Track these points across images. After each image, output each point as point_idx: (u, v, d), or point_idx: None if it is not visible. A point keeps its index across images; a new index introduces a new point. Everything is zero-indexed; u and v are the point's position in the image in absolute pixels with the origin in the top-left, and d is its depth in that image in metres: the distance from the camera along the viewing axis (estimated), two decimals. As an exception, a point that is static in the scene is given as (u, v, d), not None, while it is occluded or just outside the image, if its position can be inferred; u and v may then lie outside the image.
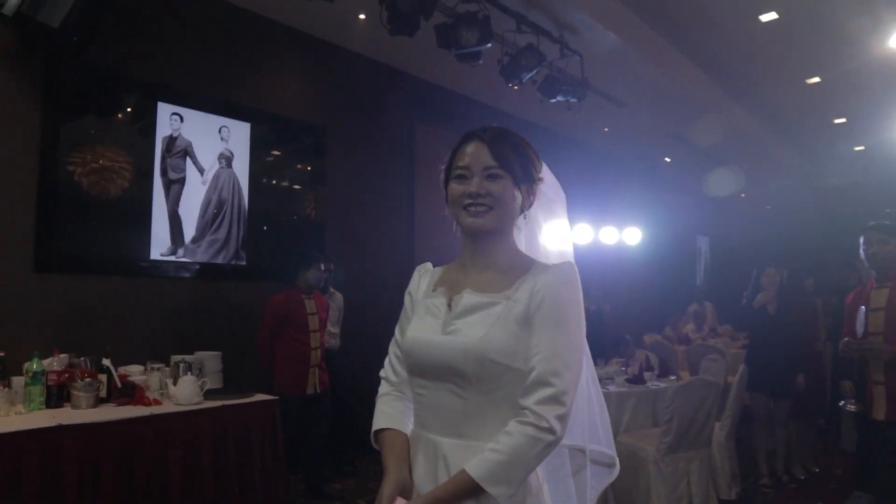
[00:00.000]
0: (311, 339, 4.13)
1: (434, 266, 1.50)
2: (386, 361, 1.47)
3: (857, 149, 10.04)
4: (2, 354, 3.22)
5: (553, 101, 5.09)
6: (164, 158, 4.22)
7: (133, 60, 4.09)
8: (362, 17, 4.78)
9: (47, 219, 3.66)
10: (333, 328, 4.81)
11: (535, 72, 4.64)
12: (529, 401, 1.17)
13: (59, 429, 2.77)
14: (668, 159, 9.80)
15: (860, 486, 4.12)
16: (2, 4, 3.16)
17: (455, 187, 1.32)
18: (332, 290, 4.90)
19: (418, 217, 6.08)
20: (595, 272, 8.06)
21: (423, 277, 1.45)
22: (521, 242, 1.40)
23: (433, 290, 1.38)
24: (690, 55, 6.21)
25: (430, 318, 1.32)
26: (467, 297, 1.29)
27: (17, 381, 3.19)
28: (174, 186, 4.27)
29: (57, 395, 3.19)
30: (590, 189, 8.40)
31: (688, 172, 10.48)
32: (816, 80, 7.05)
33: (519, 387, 1.21)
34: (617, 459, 1.39)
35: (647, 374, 4.46)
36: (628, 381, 4.30)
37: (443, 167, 1.40)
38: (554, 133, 7.94)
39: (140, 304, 4.07)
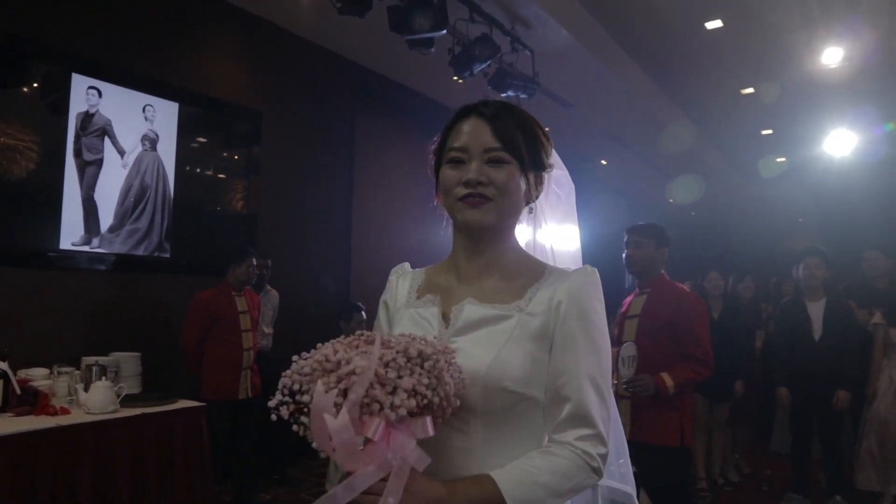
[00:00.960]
0: (242, 339, 3.81)
1: (413, 267, 1.26)
2: None
3: (779, 160, 10.47)
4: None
5: (504, 95, 4.93)
6: (78, 137, 3.78)
7: (45, 25, 3.64)
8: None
9: None
10: (267, 328, 4.52)
11: (487, 64, 4.47)
12: (568, 437, 0.97)
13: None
14: (604, 161, 9.89)
15: (795, 489, 4.18)
16: None
17: (449, 173, 1.06)
18: (268, 287, 4.58)
19: (357, 211, 5.81)
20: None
21: (402, 281, 1.21)
22: (523, 240, 1.19)
23: (418, 298, 1.14)
24: (638, 57, 6.22)
25: (418, 332, 1.03)
26: (470, 309, 1.05)
27: None
28: (89, 169, 3.84)
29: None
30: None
31: (621, 175, 10.64)
32: (751, 90, 7.23)
33: (532, 419, 1.01)
34: (636, 498, 1.19)
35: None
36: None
37: (432, 148, 1.16)
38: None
39: (46, 299, 3.64)
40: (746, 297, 5.00)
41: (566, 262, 1.23)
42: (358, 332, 0.96)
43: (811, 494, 4.18)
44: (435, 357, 0.87)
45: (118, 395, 3.01)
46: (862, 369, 4.14)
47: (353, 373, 0.82)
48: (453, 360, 0.91)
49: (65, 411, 2.90)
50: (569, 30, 5.01)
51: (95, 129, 3.87)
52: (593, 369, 1.00)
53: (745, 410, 4.78)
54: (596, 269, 1.08)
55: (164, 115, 4.26)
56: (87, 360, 3.33)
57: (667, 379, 2.78)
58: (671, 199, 12.20)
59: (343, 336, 0.94)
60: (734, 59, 6.36)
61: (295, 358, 0.89)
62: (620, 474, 1.21)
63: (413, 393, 0.83)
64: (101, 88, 3.87)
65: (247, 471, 3.89)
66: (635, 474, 2.17)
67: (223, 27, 4.73)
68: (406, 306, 1.15)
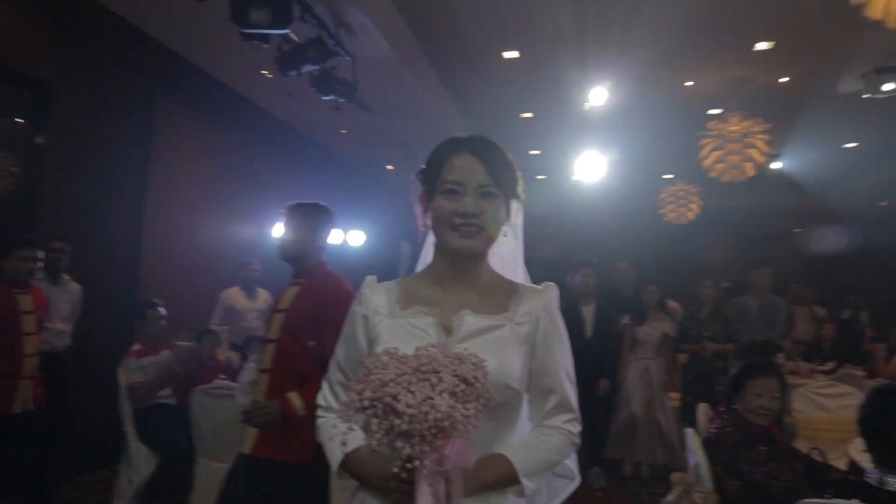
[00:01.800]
0: (23, 344, 3.27)
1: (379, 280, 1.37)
2: (325, 390, 1.32)
3: (539, 177, 11.82)
4: None
5: (326, 98, 4.91)
6: None
7: None
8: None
9: None
10: (63, 325, 3.97)
11: (317, 67, 4.42)
12: (556, 422, 1.24)
13: None
14: (390, 167, 10.23)
15: (595, 463, 4.81)
16: None
17: (445, 204, 1.22)
18: (65, 277, 4.04)
19: (151, 202, 5.30)
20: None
21: (377, 295, 1.30)
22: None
23: (404, 309, 1.26)
24: (442, 72, 6.59)
25: (415, 341, 1.16)
26: (470, 320, 1.22)
27: None
28: None
29: None
30: (320, 188, 8.34)
31: (404, 181, 11.07)
32: (529, 115, 8.11)
33: (517, 411, 1.23)
34: (577, 471, 1.40)
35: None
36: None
37: (416, 175, 1.31)
38: (293, 128, 7.69)
39: None
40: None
41: (511, 267, 1.41)
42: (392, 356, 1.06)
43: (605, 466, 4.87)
44: (483, 378, 1.04)
45: None
46: (617, 362, 4.97)
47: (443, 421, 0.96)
48: (487, 371, 1.07)
49: None
50: (388, 40, 5.16)
51: None
52: (567, 365, 1.27)
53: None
54: (555, 285, 1.32)
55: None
56: None
57: (295, 400, 2.31)
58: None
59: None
60: (521, 87, 7.08)
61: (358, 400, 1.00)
62: None
63: (478, 414, 1.00)
64: None
65: (19, 493, 3.35)
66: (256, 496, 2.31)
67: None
68: (390, 317, 1.25)
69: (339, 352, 1.33)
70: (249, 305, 5.66)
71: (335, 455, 1.20)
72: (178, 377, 4.01)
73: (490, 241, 1.24)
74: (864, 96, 6.48)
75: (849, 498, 1.59)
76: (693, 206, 9.77)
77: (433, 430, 0.94)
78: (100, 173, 4.77)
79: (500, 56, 6.24)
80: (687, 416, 4.82)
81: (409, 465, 0.98)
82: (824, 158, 9.68)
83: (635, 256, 6.22)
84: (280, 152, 7.61)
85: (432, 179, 1.25)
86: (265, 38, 3.84)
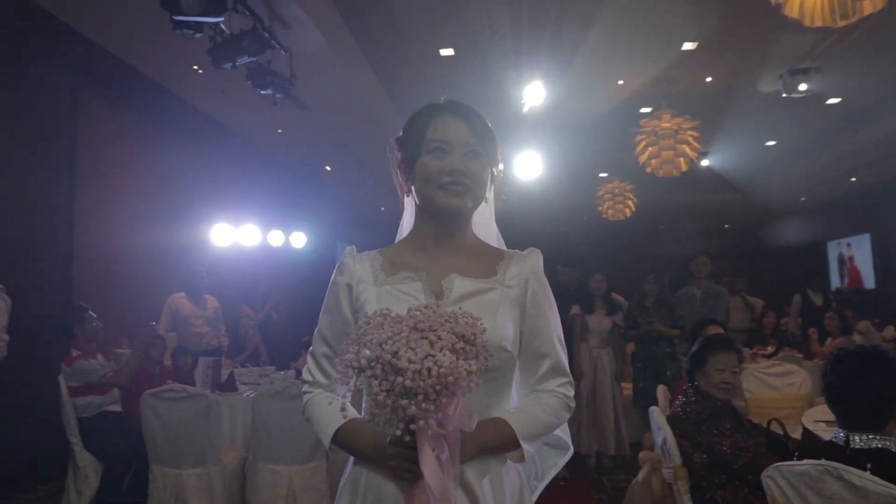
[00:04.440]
0: None
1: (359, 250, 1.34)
2: (310, 365, 1.28)
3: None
4: None
5: (263, 93, 4.82)
6: None
7: None
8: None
9: None
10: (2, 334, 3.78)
11: (253, 58, 4.34)
12: (551, 385, 1.22)
13: None
14: (328, 167, 10.13)
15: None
16: None
17: (432, 162, 1.20)
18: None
19: (80, 201, 5.08)
20: (266, 275, 7.86)
21: (359, 263, 1.27)
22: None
23: (389, 276, 1.23)
24: (378, 71, 6.58)
25: (405, 306, 1.13)
26: (460, 282, 1.21)
27: None
28: None
29: None
30: (259, 189, 8.18)
31: (344, 182, 10.99)
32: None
33: (509, 374, 1.22)
34: (570, 442, 1.39)
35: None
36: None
37: (396, 138, 1.29)
38: (228, 128, 7.51)
39: None
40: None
41: (492, 240, 1.41)
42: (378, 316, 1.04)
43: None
44: (481, 335, 1.02)
45: None
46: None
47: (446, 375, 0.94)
48: (484, 329, 1.06)
49: None
50: (323, 34, 5.12)
51: None
52: (557, 329, 1.26)
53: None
54: (539, 251, 1.31)
55: None
56: None
57: None
58: (383, 209, 12.99)
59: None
60: (458, 85, 7.12)
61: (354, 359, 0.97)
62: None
63: (479, 372, 0.99)
64: None
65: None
66: None
67: None
68: (376, 284, 1.22)
69: (323, 323, 1.28)
70: (196, 312, 5.54)
71: (328, 429, 1.17)
72: (151, 360, 4.02)
73: (477, 201, 1.23)
74: (783, 96, 6.85)
75: (817, 459, 1.66)
76: (629, 202, 10.06)
77: (437, 387, 0.92)
78: (25, 174, 4.55)
79: (437, 53, 6.28)
80: (640, 401, 4.97)
81: (412, 427, 0.96)
82: (749, 156, 10.14)
83: (577, 253, 6.36)
84: (216, 153, 7.43)
85: (415, 142, 1.23)
86: (198, 27, 3.75)
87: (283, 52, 5.02)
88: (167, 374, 4.37)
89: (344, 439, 1.17)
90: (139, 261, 5.88)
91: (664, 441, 2.56)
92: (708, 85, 7.15)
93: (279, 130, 8.04)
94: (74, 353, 3.77)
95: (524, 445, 1.14)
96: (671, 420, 2.64)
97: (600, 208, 10.29)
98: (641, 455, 2.68)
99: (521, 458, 1.17)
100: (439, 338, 0.97)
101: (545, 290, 1.26)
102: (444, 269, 1.23)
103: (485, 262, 1.26)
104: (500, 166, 1.33)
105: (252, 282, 7.53)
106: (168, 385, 3.54)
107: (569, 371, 1.26)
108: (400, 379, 0.92)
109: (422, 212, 1.27)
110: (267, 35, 4.71)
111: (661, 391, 3.31)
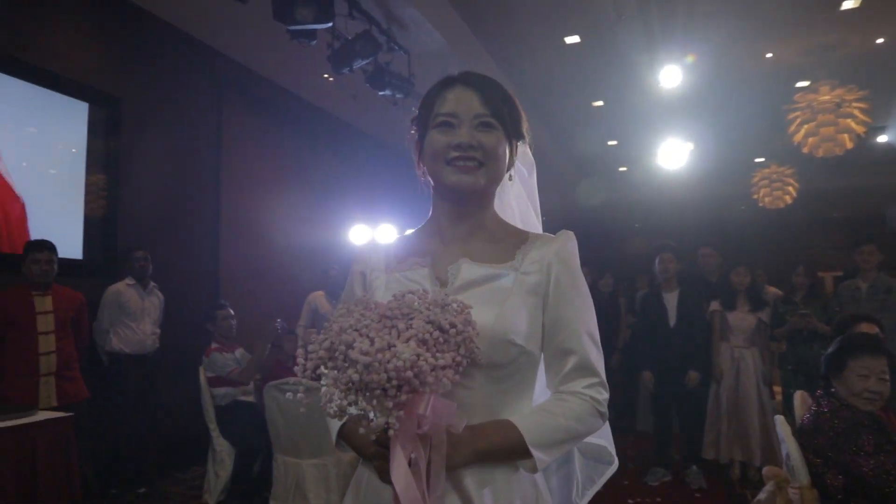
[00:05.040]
0: (38, 343, 3.41)
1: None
2: None
3: (621, 169, 11.46)
4: None
5: (381, 94, 4.98)
6: None
7: None
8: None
9: None
10: (153, 328, 4.33)
11: (367, 61, 4.49)
12: (576, 386, 1.06)
13: None
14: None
15: (658, 462, 4.57)
16: None
17: (438, 137, 1.09)
18: (152, 284, 4.36)
19: (225, 209, 5.56)
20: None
21: (376, 252, 1.21)
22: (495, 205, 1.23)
23: (400, 263, 1.15)
24: (503, 65, 6.53)
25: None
26: (467, 268, 1.09)
27: None
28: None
29: None
30: (395, 190, 8.44)
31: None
32: (600, 103, 7.87)
33: (529, 373, 1.08)
34: (615, 454, 1.24)
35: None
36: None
37: (412, 119, 1.17)
38: (366, 135, 7.85)
39: None
40: (605, 291, 5.42)
41: (530, 225, 1.29)
42: (354, 303, 0.95)
43: (671, 467, 4.60)
44: (466, 326, 0.91)
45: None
46: (708, 353, 4.64)
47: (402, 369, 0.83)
48: (471, 318, 0.95)
49: None
50: (441, 33, 5.16)
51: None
52: (589, 323, 1.09)
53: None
54: (573, 234, 1.16)
55: (6, 101, 3.80)
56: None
57: None
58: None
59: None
60: (587, 74, 6.88)
61: (314, 348, 0.89)
62: (602, 430, 1.25)
63: (454, 365, 0.88)
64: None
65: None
66: None
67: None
68: (387, 272, 1.16)
69: None
70: (332, 310, 5.86)
71: (335, 425, 1.11)
72: (285, 355, 4.23)
73: (492, 178, 1.10)
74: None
75: None
76: (790, 188, 9.11)
77: (396, 382, 0.83)
78: (173, 184, 5.05)
79: (562, 42, 6.10)
80: (789, 410, 4.45)
81: (385, 428, 0.88)
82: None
83: (728, 245, 5.85)
84: (352, 156, 7.76)
85: (424, 118, 1.14)
86: (311, 35, 3.94)
87: (402, 54, 5.15)
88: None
89: (347, 436, 1.10)
90: (281, 261, 6.31)
91: (788, 456, 2.24)
92: (879, 47, 6.26)
93: (413, 131, 8.26)
94: (213, 346, 4.08)
95: (536, 453, 0.98)
96: (799, 432, 2.31)
97: (756, 196, 9.42)
98: (765, 471, 2.35)
99: (534, 468, 1.00)
100: (410, 327, 0.88)
101: (573, 276, 1.10)
102: (456, 253, 1.12)
103: (504, 245, 1.13)
104: (526, 138, 1.20)
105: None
106: (289, 378, 3.74)
107: (599, 370, 1.08)
108: (351, 371, 0.84)
109: (435, 192, 1.17)
110: (384, 37, 4.86)
111: (798, 397, 2.89)
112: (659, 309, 4.48)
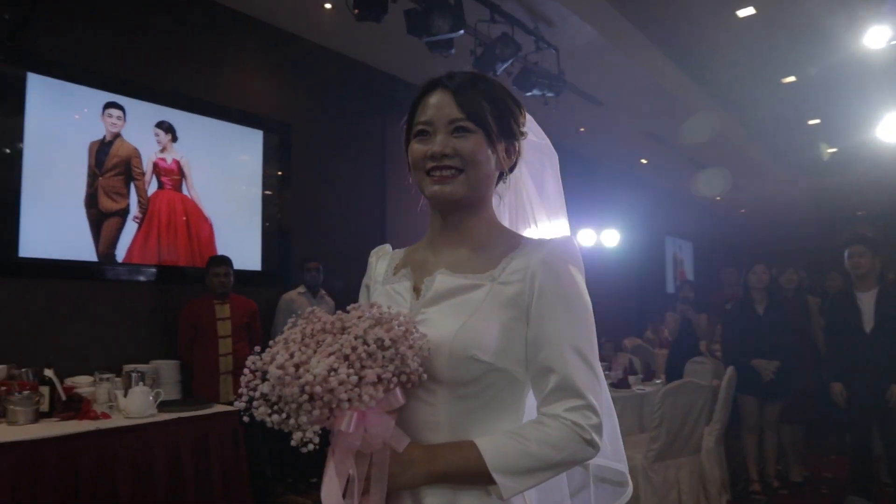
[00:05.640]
0: (218, 345, 3.91)
1: (395, 249, 1.25)
2: None
3: (830, 151, 10.07)
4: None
5: (529, 94, 4.91)
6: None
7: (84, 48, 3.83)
8: (328, 6, 4.56)
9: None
10: None
11: (510, 62, 4.46)
12: (556, 409, 0.94)
13: (-13, 447, 2.49)
14: (644, 160, 9.72)
15: (856, 491, 3.96)
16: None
17: (416, 147, 1.05)
18: (322, 291, 4.72)
19: (391, 219, 5.86)
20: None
21: (381, 261, 1.20)
22: (505, 215, 1.17)
23: (394, 274, 1.14)
24: (668, 51, 6.11)
25: (394, 308, 1.04)
26: (441, 280, 1.04)
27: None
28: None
29: (-9, 410, 2.91)
30: (565, 190, 8.25)
31: (665, 174, 10.42)
32: (792, 79, 7.01)
33: (507, 394, 0.99)
34: (629, 477, 1.14)
35: (631, 378, 4.27)
36: (612, 385, 4.11)
37: (403, 125, 1.13)
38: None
39: (90, 310, 3.79)
40: (789, 289, 4.80)
41: (552, 234, 1.18)
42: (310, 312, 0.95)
43: (874, 496, 3.95)
44: (394, 340, 0.87)
45: (155, 400, 3.10)
46: None
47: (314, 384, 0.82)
48: (415, 333, 0.91)
49: (105, 416, 3.00)
50: (593, 25, 4.97)
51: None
52: (576, 338, 0.97)
53: (799, 408, 4.56)
54: (572, 237, 1.06)
55: (194, 133, 4.38)
56: (128, 367, 3.46)
57: None
58: (719, 198, 11.89)
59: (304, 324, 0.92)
60: (770, 47, 6.17)
61: (252, 362, 0.88)
62: (612, 451, 1.15)
63: (380, 382, 0.84)
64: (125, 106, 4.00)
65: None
66: None
67: (245, 40, 4.83)
68: (383, 283, 1.15)
69: None
70: None
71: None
72: None
73: (474, 184, 1.03)
74: None
75: None
76: None
77: (307, 398, 0.82)
78: (343, 202, 5.44)
79: (734, 16, 5.53)
80: None
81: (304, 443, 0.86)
82: None
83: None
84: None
85: (408, 127, 1.11)
86: (448, 45, 4.01)
87: (552, 51, 5.04)
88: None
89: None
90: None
91: None
92: None
93: (581, 129, 8.05)
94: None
95: (499, 479, 0.90)
96: None
97: None
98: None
99: (500, 495, 0.92)
100: (336, 342, 0.85)
101: (560, 286, 0.99)
102: (442, 264, 1.07)
103: (491, 254, 1.04)
104: (519, 136, 1.10)
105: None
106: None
107: (585, 391, 0.95)
108: (262, 385, 0.84)
109: (429, 202, 1.12)
110: (530, 37, 4.80)
111: None
112: (850, 311, 3.87)
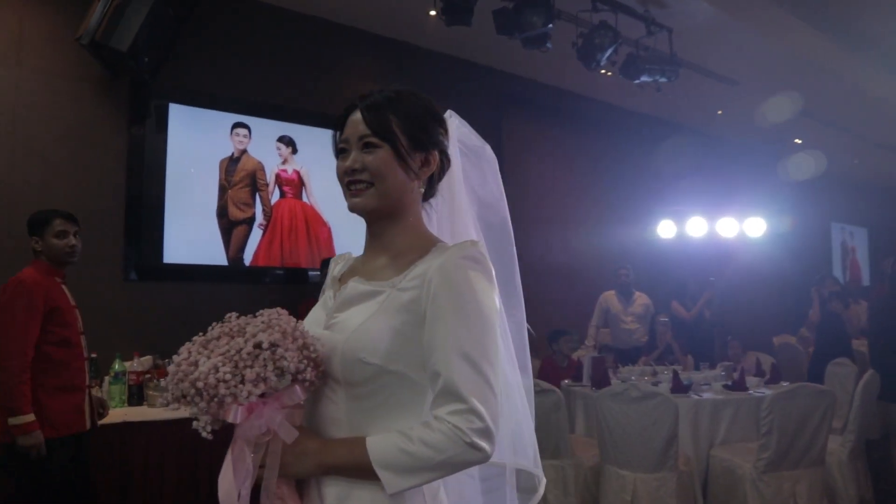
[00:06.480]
0: None
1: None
2: None
3: None
4: (94, 356, 3.47)
5: (637, 81, 4.71)
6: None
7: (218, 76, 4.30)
8: (432, 13, 4.70)
9: (134, 233, 3.94)
10: None
11: (611, 50, 4.30)
12: (441, 412, 0.98)
13: (126, 425, 2.93)
14: (798, 140, 8.84)
15: None
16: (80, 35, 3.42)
17: (338, 164, 1.14)
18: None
19: (513, 220, 5.90)
20: (706, 269, 7.36)
21: (337, 267, 1.28)
22: (443, 226, 1.24)
23: (339, 281, 1.22)
24: (802, 13, 5.51)
25: (320, 310, 1.17)
26: (352, 287, 1.12)
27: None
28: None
29: (137, 395, 3.40)
30: (703, 178, 7.76)
31: (823, 154, 9.39)
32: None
33: (405, 396, 1.05)
34: (544, 480, 1.17)
35: (753, 380, 3.97)
36: (727, 386, 3.84)
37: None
38: (657, 119, 7.42)
39: (223, 308, 4.23)
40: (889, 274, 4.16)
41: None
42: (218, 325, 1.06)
43: None
44: (273, 343, 0.97)
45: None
46: None
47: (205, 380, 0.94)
48: (301, 339, 1.01)
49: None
50: (709, 1, 4.64)
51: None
52: (464, 342, 0.99)
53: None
54: (478, 242, 1.09)
55: (313, 144, 4.72)
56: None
57: None
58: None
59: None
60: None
61: (180, 356, 1.01)
62: (534, 457, 1.20)
63: (260, 380, 0.94)
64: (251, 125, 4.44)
65: None
66: None
67: (361, 53, 5.10)
68: (330, 288, 1.23)
69: None
70: (623, 309, 5.81)
71: None
72: (561, 354, 4.73)
73: (383, 197, 1.10)
74: None
75: None
76: None
77: (194, 391, 0.93)
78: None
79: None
80: None
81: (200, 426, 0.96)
82: None
83: None
84: (655, 147, 7.36)
85: (336, 145, 1.19)
86: (543, 39, 3.97)
87: (665, 33, 4.79)
88: (573, 367, 4.66)
89: None
90: (571, 262, 6.41)
91: None
92: None
93: (719, 112, 7.52)
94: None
95: (382, 474, 0.96)
96: None
97: None
98: None
99: (387, 490, 0.97)
100: (227, 344, 0.97)
101: (452, 291, 1.02)
102: (363, 272, 1.14)
103: (402, 261, 1.10)
104: (436, 144, 1.16)
105: (698, 277, 7.18)
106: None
107: (467, 395, 0.97)
108: (164, 380, 0.97)
109: None
110: (645, 22, 4.60)
111: None
112: None
